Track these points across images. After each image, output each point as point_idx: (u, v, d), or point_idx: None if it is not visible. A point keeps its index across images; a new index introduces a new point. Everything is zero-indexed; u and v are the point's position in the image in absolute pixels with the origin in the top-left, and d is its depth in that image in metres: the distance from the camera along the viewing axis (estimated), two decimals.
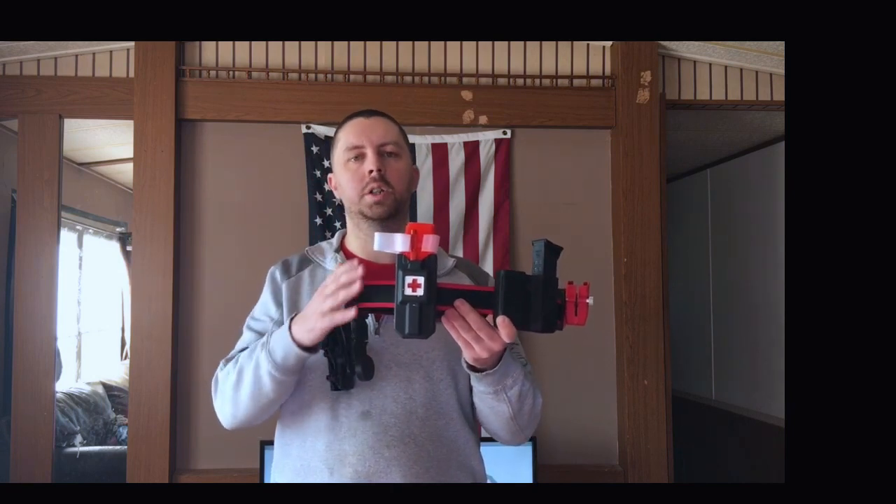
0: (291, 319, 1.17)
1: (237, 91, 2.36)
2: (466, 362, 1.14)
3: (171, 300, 2.28)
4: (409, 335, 1.03)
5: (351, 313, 1.08)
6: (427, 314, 1.03)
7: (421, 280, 1.02)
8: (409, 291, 1.03)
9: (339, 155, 1.34)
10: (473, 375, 1.16)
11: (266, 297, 1.34)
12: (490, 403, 1.19)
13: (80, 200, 3.98)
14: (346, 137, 1.33)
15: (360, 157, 1.31)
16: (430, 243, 1.03)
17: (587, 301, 1.07)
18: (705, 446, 3.65)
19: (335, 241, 1.38)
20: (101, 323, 4.66)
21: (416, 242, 1.03)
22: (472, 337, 1.06)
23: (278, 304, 1.32)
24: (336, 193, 1.37)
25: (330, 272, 1.31)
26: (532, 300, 1.05)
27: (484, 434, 2.35)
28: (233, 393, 1.23)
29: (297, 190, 2.37)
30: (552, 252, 1.06)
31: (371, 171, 1.28)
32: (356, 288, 1.07)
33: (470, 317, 1.05)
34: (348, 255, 1.34)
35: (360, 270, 1.08)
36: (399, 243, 1.03)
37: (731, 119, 2.87)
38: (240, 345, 1.34)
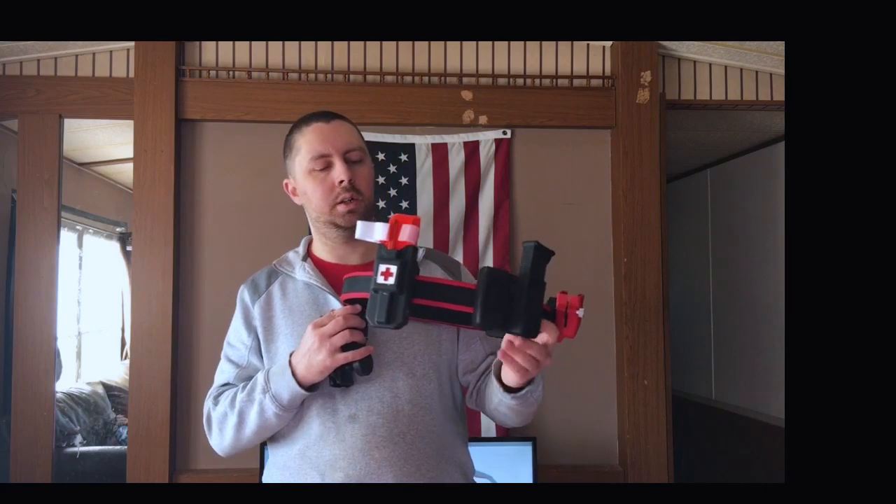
0: (290, 359, 1.19)
1: (237, 91, 2.36)
2: (502, 383, 1.14)
3: (171, 300, 2.28)
4: (378, 324, 1.02)
5: (371, 349, 1.18)
6: (396, 304, 1.01)
7: (394, 269, 1.01)
8: (381, 280, 1.02)
9: (302, 163, 1.30)
10: (508, 395, 1.15)
11: (238, 322, 1.34)
12: (518, 409, 1.19)
13: (80, 200, 3.98)
14: (310, 145, 1.29)
15: (326, 167, 1.28)
16: (407, 233, 1.03)
17: (577, 313, 1.04)
18: (705, 446, 3.65)
19: (301, 249, 1.37)
20: (101, 323, 4.66)
21: (394, 232, 1.03)
22: (533, 365, 1.06)
23: (250, 329, 1.32)
24: (295, 200, 1.36)
25: (300, 282, 1.31)
26: (514, 302, 1.01)
27: (487, 433, 2.36)
28: (235, 433, 1.25)
29: None
30: (542, 255, 1.02)
31: (342, 182, 1.26)
32: (371, 350, 1.18)
33: (534, 349, 1.04)
34: (316, 262, 1.34)
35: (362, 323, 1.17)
36: (378, 232, 1.04)
37: (731, 119, 2.87)
38: (221, 377, 1.34)
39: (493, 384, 1.17)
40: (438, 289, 1.05)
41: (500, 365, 1.16)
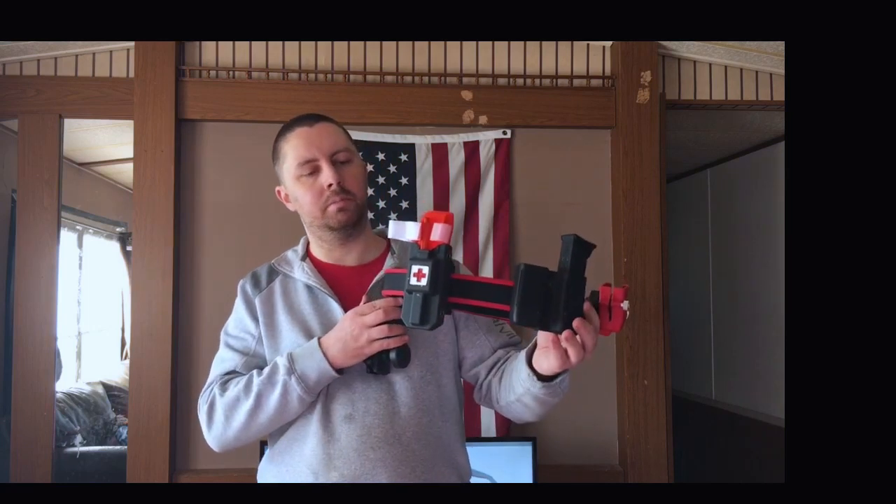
0: (319, 342, 1.21)
1: (237, 91, 2.36)
2: (536, 372, 1.12)
3: (171, 300, 2.28)
4: (412, 325, 1.02)
5: (406, 339, 1.19)
6: (429, 305, 1.00)
7: (426, 270, 1.01)
8: (414, 281, 1.01)
9: (290, 169, 1.30)
10: (541, 383, 1.13)
11: (241, 312, 1.34)
12: (544, 399, 1.17)
13: (80, 200, 3.98)
14: (295, 151, 1.29)
15: (314, 171, 1.28)
16: (438, 233, 1.02)
17: (621, 306, 1.02)
18: (705, 446, 3.65)
19: (300, 249, 1.37)
20: (101, 323, 4.66)
21: (425, 231, 1.03)
22: (579, 356, 1.04)
23: (254, 319, 1.32)
24: (289, 206, 1.36)
25: (300, 282, 1.32)
26: (553, 298, 0.99)
27: (487, 433, 2.35)
28: (247, 419, 1.24)
29: None
30: (581, 249, 1.00)
31: (330, 185, 1.26)
32: (406, 339, 1.19)
33: (590, 337, 1.02)
34: (314, 262, 1.35)
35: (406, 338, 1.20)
36: (409, 231, 1.04)
37: (731, 119, 2.87)
38: (222, 365, 1.32)
39: (523, 372, 1.15)
40: (474, 287, 1.04)
41: (531, 352, 1.15)
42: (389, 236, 1.09)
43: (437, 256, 1.01)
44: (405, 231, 1.04)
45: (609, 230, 2.47)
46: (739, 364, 3.39)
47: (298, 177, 1.29)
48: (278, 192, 1.37)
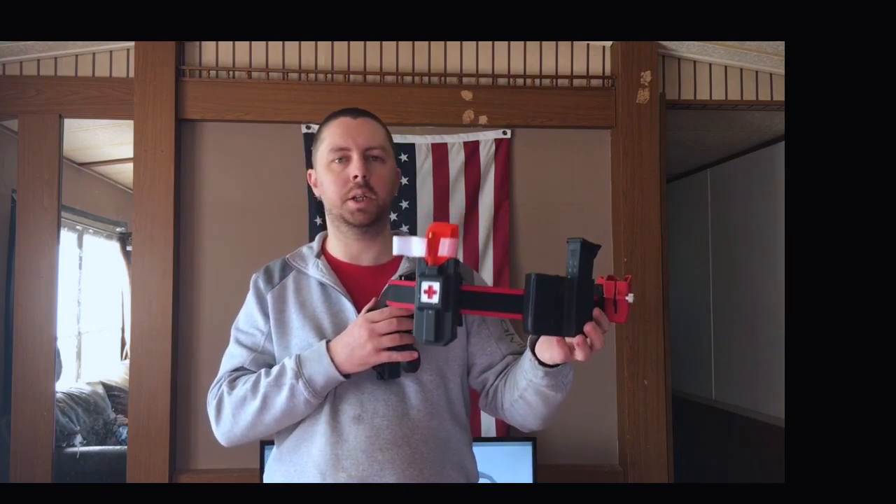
0: (328, 345, 1.20)
1: (237, 91, 2.36)
2: (538, 359, 1.14)
3: (171, 300, 2.28)
4: (426, 342, 1.01)
5: (415, 355, 1.18)
6: (442, 321, 1.00)
7: (437, 286, 1.00)
8: (424, 298, 1.01)
9: (322, 154, 1.32)
10: (543, 370, 1.14)
11: (252, 308, 1.33)
12: (546, 392, 1.18)
13: (80, 200, 3.98)
14: (332, 137, 1.31)
15: (344, 160, 1.29)
16: (446, 248, 1.01)
17: (626, 298, 1.04)
18: (705, 446, 3.65)
19: (316, 245, 1.37)
20: (101, 323, 4.66)
21: (432, 247, 1.02)
22: (586, 354, 1.06)
23: (265, 315, 1.31)
24: (315, 191, 1.36)
25: (313, 279, 1.32)
26: (565, 305, 1.01)
27: (487, 433, 2.35)
28: (254, 419, 1.23)
29: (297, 190, 2.36)
30: (589, 252, 1.02)
31: (356, 177, 1.27)
32: (415, 356, 1.18)
33: (598, 339, 1.06)
34: (329, 260, 1.34)
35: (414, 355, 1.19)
36: (416, 248, 1.03)
37: (731, 119, 2.87)
38: (231, 361, 1.32)
39: (526, 363, 1.16)
40: (485, 298, 1.04)
41: (535, 341, 1.15)
42: (395, 253, 1.06)
43: (447, 272, 1.01)
44: (411, 247, 1.03)
45: (609, 230, 2.47)
46: (739, 364, 3.39)
47: (329, 162, 1.30)
48: (309, 175, 1.38)
